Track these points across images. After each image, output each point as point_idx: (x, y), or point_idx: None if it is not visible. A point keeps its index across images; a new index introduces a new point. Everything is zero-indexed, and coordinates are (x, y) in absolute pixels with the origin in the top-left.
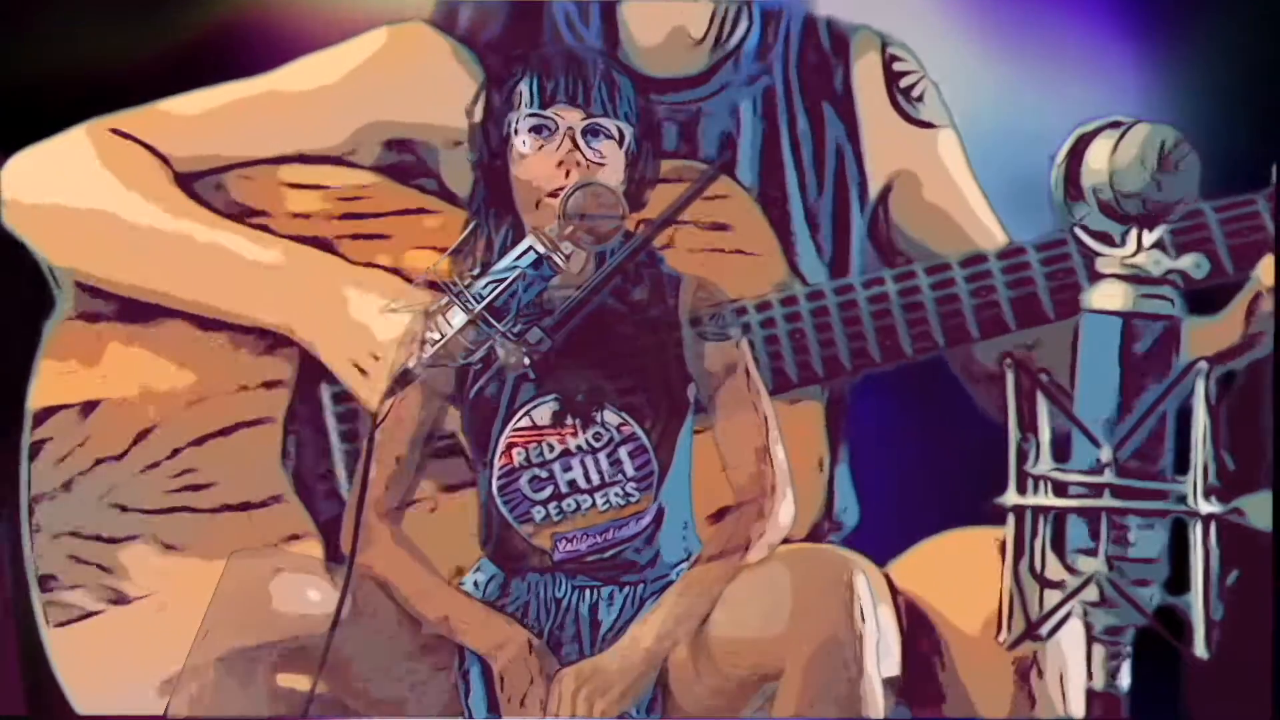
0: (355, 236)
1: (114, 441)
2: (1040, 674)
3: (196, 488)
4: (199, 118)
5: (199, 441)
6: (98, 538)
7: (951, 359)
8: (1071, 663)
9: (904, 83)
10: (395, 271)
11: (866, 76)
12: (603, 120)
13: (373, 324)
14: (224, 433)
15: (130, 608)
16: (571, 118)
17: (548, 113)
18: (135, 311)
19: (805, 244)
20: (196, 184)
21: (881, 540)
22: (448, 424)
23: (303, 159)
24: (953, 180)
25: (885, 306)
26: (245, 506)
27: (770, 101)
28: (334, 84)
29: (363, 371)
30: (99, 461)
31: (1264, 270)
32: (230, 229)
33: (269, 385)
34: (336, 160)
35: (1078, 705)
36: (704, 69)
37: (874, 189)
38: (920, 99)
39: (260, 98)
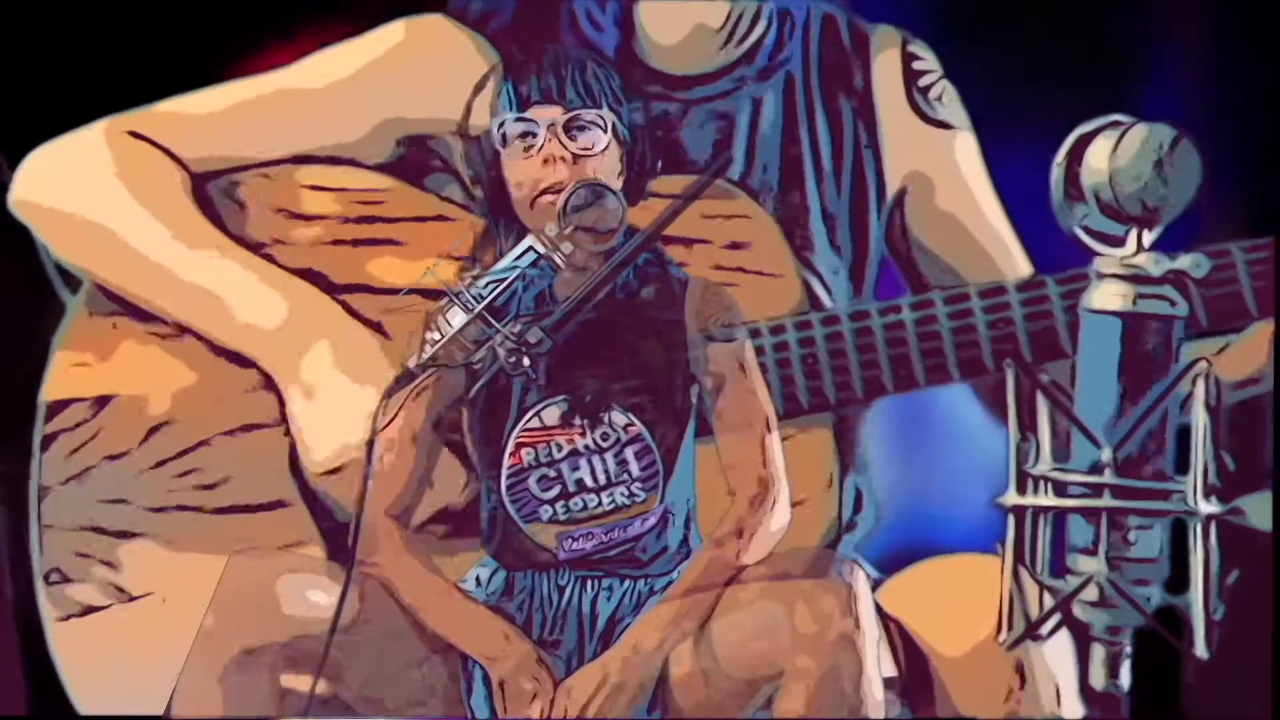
0: (370, 241)
1: (123, 437)
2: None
3: (202, 488)
4: (213, 117)
5: (207, 441)
6: (102, 532)
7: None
8: (1063, 673)
9: (923, 82)
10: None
11: (886, 74)
12: (582, 112)
13: (344, 422)
14: (232, 434)
15: (132, 605)
16: (551, 114)
17: (527, 114)
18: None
19: (823, 244)
20: (212, 184)
21: (887, 544)
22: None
23: (322, 160)
24: (967, 184)
25: (901, 335)
26: (249, 509)
27: (790, 94)
28: (351, 79)
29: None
30: (108, 457)
31: None
32: (231, 267)
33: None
34: (355, 163)
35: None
36: (721, 65)
37: (891, 190)
38: (939, 99)
39: (275, 95)
